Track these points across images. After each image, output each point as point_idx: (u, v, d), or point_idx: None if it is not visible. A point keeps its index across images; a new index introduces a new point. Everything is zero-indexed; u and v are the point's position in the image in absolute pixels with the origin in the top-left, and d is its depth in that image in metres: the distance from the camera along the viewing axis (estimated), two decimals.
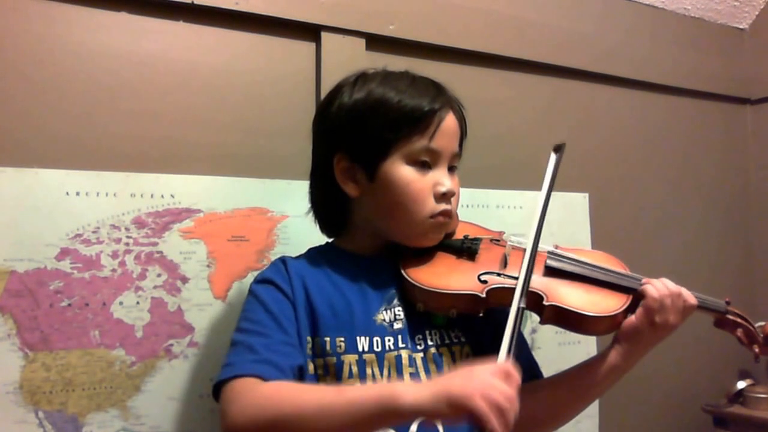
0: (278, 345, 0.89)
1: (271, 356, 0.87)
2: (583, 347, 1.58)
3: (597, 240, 1.66)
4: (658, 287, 0.96)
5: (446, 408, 0.72)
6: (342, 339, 0.93)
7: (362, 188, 0.99)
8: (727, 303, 0.97)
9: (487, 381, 0.73)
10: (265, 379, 0.84)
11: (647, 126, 1.85)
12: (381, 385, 0.84)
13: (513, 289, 0.90)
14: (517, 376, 0.76)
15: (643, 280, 0.99)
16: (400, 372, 0.92)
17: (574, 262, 1.01)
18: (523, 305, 0.87)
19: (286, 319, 0.93)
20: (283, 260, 1.01)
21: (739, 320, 0.98)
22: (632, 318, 0.97)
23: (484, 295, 0.94)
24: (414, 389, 0.75)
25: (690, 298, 0.97)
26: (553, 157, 1.02)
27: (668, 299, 0.95)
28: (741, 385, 1.79)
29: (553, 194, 1.60)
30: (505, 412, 0.71)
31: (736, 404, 1.79)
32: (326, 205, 1.05)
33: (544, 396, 1.00)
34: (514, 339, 0.82)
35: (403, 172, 0.96)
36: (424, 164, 0.97)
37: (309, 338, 0.94)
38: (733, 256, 2.00)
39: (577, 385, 1.00)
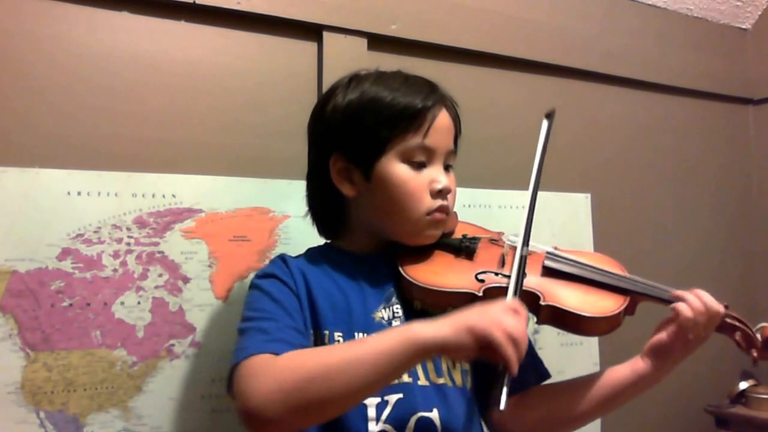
0: (288, 329, 0.89)
1: (284, 336, 0.87)
2: (585, 348, 1.57)
3: (599, 240, 1.66)
4: (693, 305, 0.93)
5: (467, 338, 0.78)
6: (340, 333, 0.94)
7: (359, 188, 0.99)
8: (726, 307, 0.97)
9: (501, 315, 0.80)
10: (279, 355, 0.83)
11: (649, 126, 1.84)
12: (399, 329, 0.82)
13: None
14: (524, 312, 0.83)
15: (674, 293, 0.97)
16: None
17: (572, 263, 1.01)
18: (526, 253, 0.94)
19: (292, 309, 0.93)
20: (282, 257, 1.02)
21: (737, 324, 0.98)
22: (663, 335, 0.96)
23: (481, 294, 0.94)
24: (433, 326, 0.79)
25: (717, 306, 0.95)
26: (544, 123, 1.03)
27: (702, 317, 0.93)
28: (743, 385, 1.79)
29: (555, 194, 1.62)
30: (518, 342, 0.78)
31: (739, 405, 1.78)
32: (323, 206, 1.05)
33: (564, 400, 1.01)
34: (519, 283, 0.91)
35: (398, 170, 0.96)
36: (419, 163, 0.97)
37: (311, 331, 0.94)
38: (735, 255, 2.00)
39: (601, 392, 0.98)
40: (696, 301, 0.94)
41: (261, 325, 0.89)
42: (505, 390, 0.80)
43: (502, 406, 0.79)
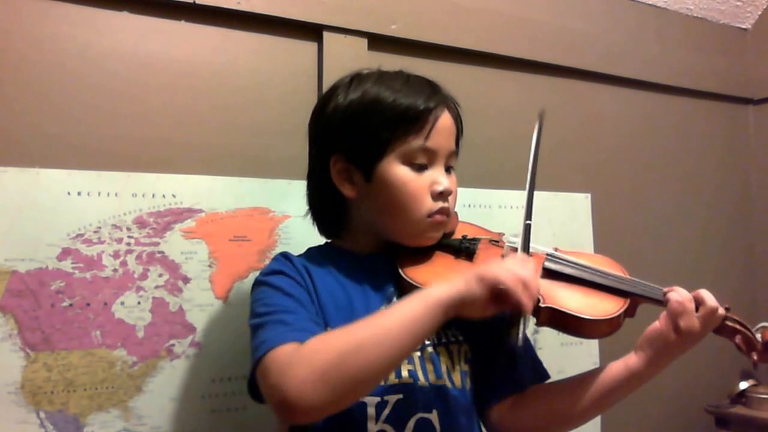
0: (306, 320, 0.89)
1: (305, 325, 0.87)
2: (585, 348, 1.57)
3: (599, 240, 1.66)
4: (681, 292, 0.94)
5: (480, 288, 0.82)
6: None
7: (359, 189, 0.99)
8: (727, 309, 0.97)
9: (509, 263, 0.86)
10: (304, 342, 0.82)
11: (649, 126, 1.84)
12: (416, 296, 0.84)
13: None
14: (533, 262, 0.91)
15: (666, 289, 0.98)
16: (397, 369, 0.92)
17: (572, 265, 1.00)
18: (529, 221, 0.98)
19: (306, 302, 0.93)
20: (284, 255, 1.01)
21: (737, 327, 0.97)
22: (656, 323, 0.95)
23: None
24: (447, 285, 0.84)
25: (715, 304, 0.94)
26: (537, 123, 1.06)
27: (692, 303, 0.93)
28: (743, 385, 1.79)
29: (555, 194, 1.62)
30: (528, 285, 0.83)
31: (739, 404, 1.78)
32: (324, 206, 1.05)
33: (560, 399, 1.00)
34: (527, 241, 0.96)
35: (399, 171, 0.96)
36: (420, 165, 0.97)
37: None
38: (735, 255, 2.00)
39: (597, 390, 0.97)
40: (684, 290, 0.95)
41: (279, 318, 0.88)
42: (522, 328, 0.83)
43: (519, 342, 0.84)
